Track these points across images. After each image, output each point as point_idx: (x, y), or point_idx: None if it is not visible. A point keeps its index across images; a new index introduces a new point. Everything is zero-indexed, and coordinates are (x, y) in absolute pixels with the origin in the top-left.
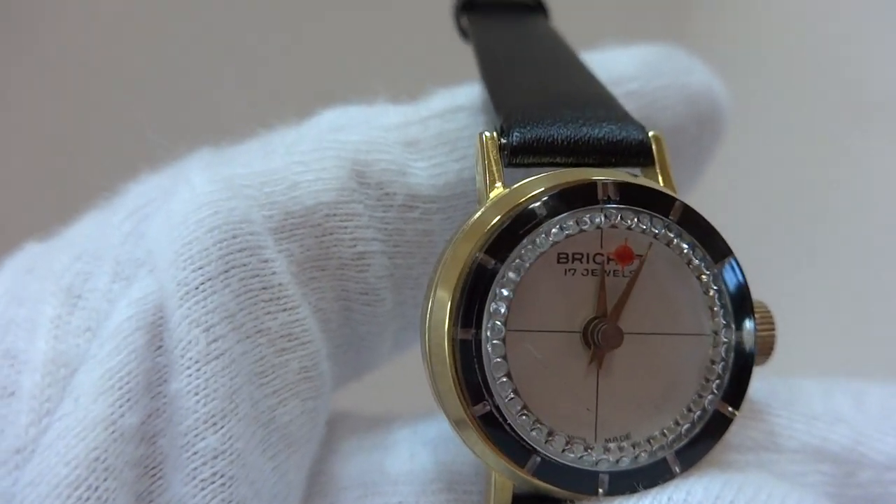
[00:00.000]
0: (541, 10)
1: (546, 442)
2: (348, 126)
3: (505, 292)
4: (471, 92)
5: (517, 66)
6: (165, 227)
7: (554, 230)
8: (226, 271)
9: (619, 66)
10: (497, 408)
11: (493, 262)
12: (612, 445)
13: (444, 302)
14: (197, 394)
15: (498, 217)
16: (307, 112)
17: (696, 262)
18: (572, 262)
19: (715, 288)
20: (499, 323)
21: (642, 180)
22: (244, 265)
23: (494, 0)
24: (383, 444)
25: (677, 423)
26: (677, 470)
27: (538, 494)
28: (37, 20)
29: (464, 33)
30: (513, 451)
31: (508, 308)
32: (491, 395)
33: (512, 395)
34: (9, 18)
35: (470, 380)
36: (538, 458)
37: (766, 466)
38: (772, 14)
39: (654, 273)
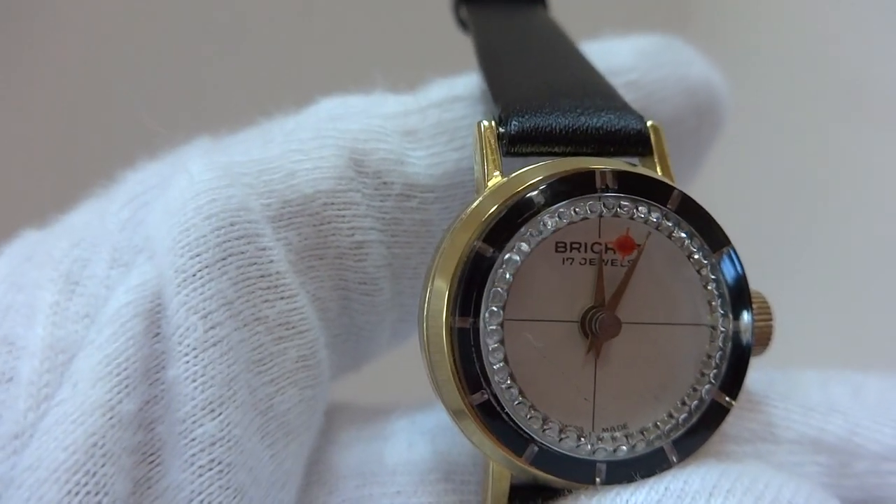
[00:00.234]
0: (540, 1)
1: (543, 431)
2: (347, 115)
3: (503, 281)
4: (469, 82)
5: (516, 56)
6: (163, 214)
7: (552, 219)
8: (224, 259)
9: (619, 57)
10: (495, 396)
11: (490, 250)
12: (609, 435)
13: (441, 291)
14: (195, 380)
15: (496, 206)
16: (306, 101)
17: (694, 251)
18: (570, 250)
19: (713, 278)
20: (497, 311)
21: (640, 169)
22: (242, 253)
23: None
24: (382, 434)
25: (674, 413)
26: (674, 459)
27: (536, 484)
28: (36, 18)
29: (463, 24)
30: (510, 441)
31: (506, 296)
32: (489, 384)
33: (509, 384)
34: (9, 18)
35: (468, 369)
36: (535, 448)
37: (763, 457)
38: (771, 12)
39: (652, 263)
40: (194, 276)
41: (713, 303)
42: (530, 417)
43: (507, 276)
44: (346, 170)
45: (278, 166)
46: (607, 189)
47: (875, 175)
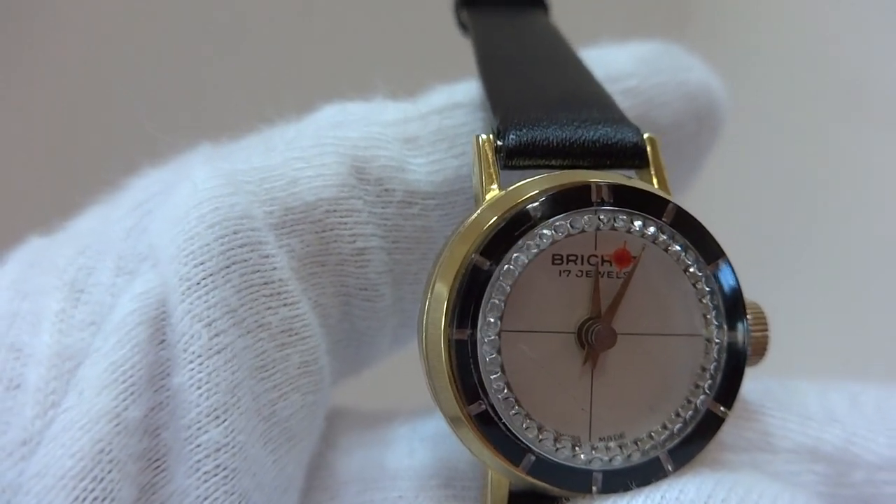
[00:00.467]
0: (541, 5)
1: (540, 441)
2: (347, 122)
3: (500, 293)
4: (469, 88)
5: (515, 64)
6: (167, 222)
7: (549, 231)
8: (227, 267)
9: (618, 64)
10: (492, 407)
11: (488, 263)
12: (604, 444)
13: (440, 302)
14: (199, 387)
15: (493, 218)
16: (306, 104)
17: (689, 263)
18: (567, 263)
19: (707, 289)
20: (494, 323)
21: (636, 182)
22: (245, 261)
23: None
24: (383, 440)
25: (670, 423)
26: (670, 468)
27: (535, 492)
28: (36, 18)
29: (464, 27)
30: (507, 450)
31: (503, 309)
32: (486, 395)
33: (506, 395)
34: (9, 18)
35: (465, 379)
36: (532, 457)
37: (760, 466)
38: (771, 12)
39: (648, 275)
40: (198, 284)
41: (708, 314)
42: (527, 427)
43: (505, 288)
44: (347, 177)
45: (280, 174)
46: (603, 202)
47: (875, 175)
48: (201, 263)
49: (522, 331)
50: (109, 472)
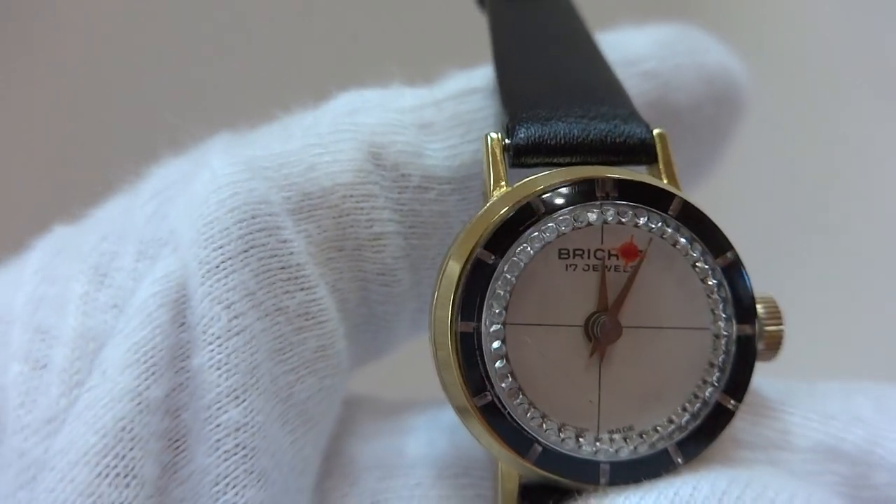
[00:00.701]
0: None
1: (546, 431)
2: (364, 109)
3: (504, 287)
4: (486, 73)
5: (528, 52)
6: (187, 207)
7: (553, 226)
8: (245, 250)
9: (635, 47)
10: (498, 398)
11: (492, 257)
12: (608, 436)
13: (447, 295)
14: (219, 368)
15: (498, 214)
16: (324, 95)
17: (696, 257)
18: (573, 257)
19: (715, 283)
20: (499, 316)
21: (642, 176)
22: (263, 245)
23: None
24: (403, 428)
25: (677, 415)
26: (680, 461)
27: (547, 485)
28: (37, 17)
29: (481, 3)
30: (514, 441)
31: (507, 302)
32: (492, 386)
33: (511, 385)
34: (9, 18)
35: (471, 371)
36: (539, 448)
37: (778, 465)
38: (773, 11)
39: (655, 268)
40: (217, 267)
41: (716, 308)
42: (531, 417)
43: (509, 281)
44: (364, 163)
45: (298, 160)
46: (608, 197)
47: (889, 175)
48: (220, 247)
49: (528, 324)
50: (131, 449)
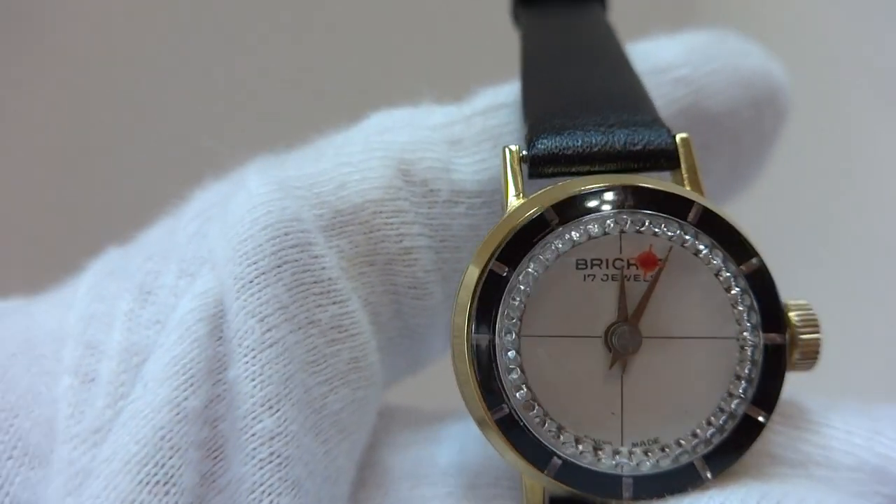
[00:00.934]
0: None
1: (563, 443)
2: (394, 127)
3: (518, 299)
4: (514, 89)
5: (553, 65)
6: (224, 227)
7: (566, 236)
8: (279, 266)
9: (668, 54)
10: (514, 410)
11: (506, 269)
12: (627, 450)
13: (463, 308)
14: (253, 379)
15: (512, 226)
16: (358, 117)
17: (717, 263)
18: (591, 267)
19: (738, 290)
20: (512, 329)
21: (659, 183)
22: (296, 260)
23: None
24: (436, 437)
25: (703, 428)
26: (708, 476)
27: (574, 497)
28: (39, 17)
29: (517, 17)
30: (533, 454)
31: (522, 314)
32: (508, 399)
33: (526, 398)
34: (9, 17)
35: (488, 384)
36: (559, 461)
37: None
38: (774, 11)
39: (676, 277)
40: (251, 282)
41: (740, 317)
42: (548, 430)
43: (523, 293)
44: (393, 179)
45: (329, 179)
46: (624, 206)
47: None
48: (254, 263)
49: (545, 335)
50: (170, 458)
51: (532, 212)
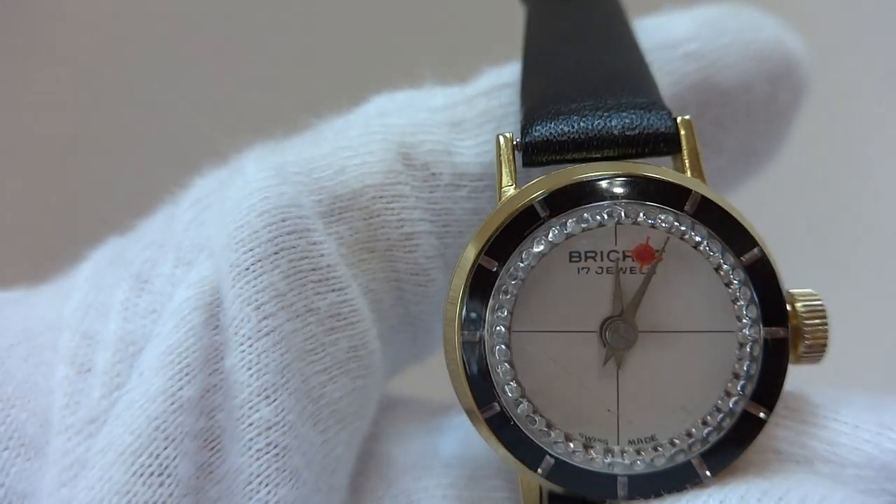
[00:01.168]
0: None
1: (553, 441)
2: (394, 110)
3: (507, 294)
4: (516, 69)
5: (555, 46)
6: (221, 213)
7: (558, 229)
8: (275, 253)
9: (679, 28)
10: (505, 408)
11: (495, 264)
12: (619, 448)
13: (453, 305)
14: (250, 368)
15: (501, 219)
16: (360, 100)
17: (715, 254)
18: (585, 260)
19: (737, 282)
20: (501, 324)
21: (656, 171)
22: (293, 247)
23: None
24: (439, 429)
25: (700, 426)
26: (708, 474)
27: (575, 496)
28: (40, 16)
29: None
30: (525, 453)
31: (511, 309)
32: (498, 396)
33: (515, 394)
34: (9, 17)
35: (478, 381)
36: (552, 460)
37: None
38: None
39: (672, 269)
40: (247, 269)
41: (740, 309)
42: (540, 430)
43: (512, 288)
44: (393, 163)
45: (328, 163)
46: (618, 196)
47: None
48: (250, 250)
49: (536, 331)
50: (165, 448)
51: (522, 204)
